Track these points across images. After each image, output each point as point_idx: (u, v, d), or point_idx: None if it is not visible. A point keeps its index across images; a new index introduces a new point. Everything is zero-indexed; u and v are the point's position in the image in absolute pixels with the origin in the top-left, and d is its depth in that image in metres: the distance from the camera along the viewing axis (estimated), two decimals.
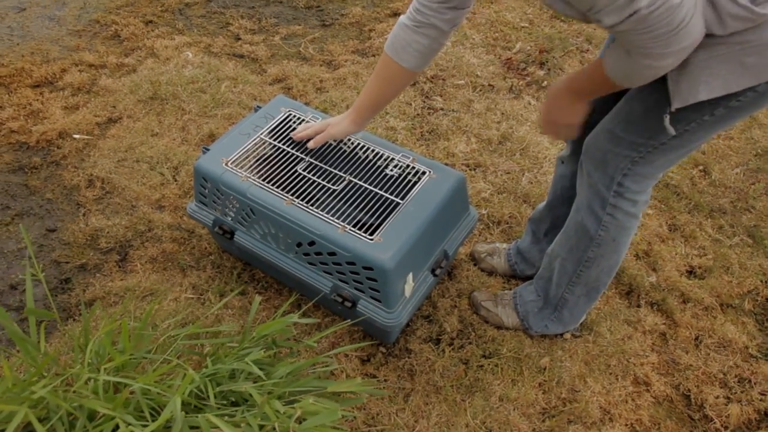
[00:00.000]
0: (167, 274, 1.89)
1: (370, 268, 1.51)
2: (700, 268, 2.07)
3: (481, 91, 2.69)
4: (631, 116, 1.32)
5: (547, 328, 1.79)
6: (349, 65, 2.78)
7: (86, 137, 2.33)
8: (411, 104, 2.59)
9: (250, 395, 1.15)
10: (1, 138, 2.31)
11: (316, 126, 1.72)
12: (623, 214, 1.46)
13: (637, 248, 2.10)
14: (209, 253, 1.97)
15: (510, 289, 1.90)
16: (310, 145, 1.72)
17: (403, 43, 1.44)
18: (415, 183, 1.69)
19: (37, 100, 2.47)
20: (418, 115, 2.54)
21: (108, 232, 2.00)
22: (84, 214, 2.07)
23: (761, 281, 2.04)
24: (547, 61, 2.85)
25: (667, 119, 1.22)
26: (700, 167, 2.43)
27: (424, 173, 1.71)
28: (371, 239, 1.52)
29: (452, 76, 2.75)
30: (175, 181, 2.18)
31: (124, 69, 2.67)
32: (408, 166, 1.74)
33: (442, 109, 2.58)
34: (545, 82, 2.75)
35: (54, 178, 2.19)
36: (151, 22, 2.99)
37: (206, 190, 1.74)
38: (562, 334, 1.83)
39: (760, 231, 2.20)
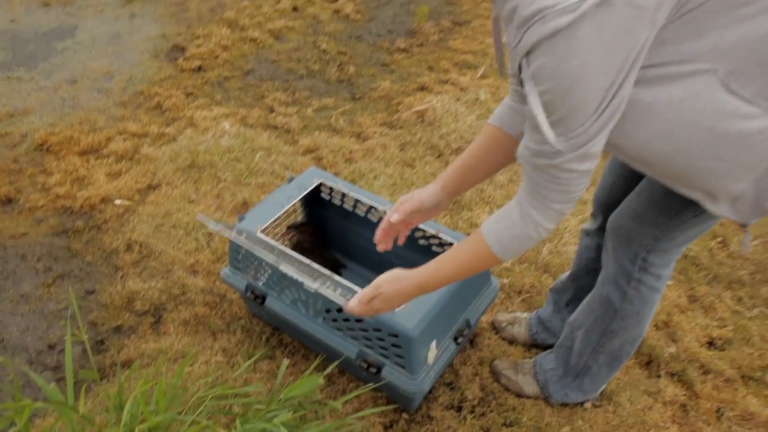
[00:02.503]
0: (199, 337, 1.97)
1: (396, 335, 1.57)
2: (720, 339, 2.09)
3: None
4: (653, 196, 1.39)
5: (567, 396, 1.82)
6: (377, 137, 2.91)
7: (127, 203, 2.46)
8: (436, 175, 2.69)
9: None
10: (48, 202, 2.45)
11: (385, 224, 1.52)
12: (647, 288, 1.51)
13: (657, 319, 2.13)
14: (239, 317, 2.05)
15: (531, 358, 1.94)
16: (393, 219, 1.51)
17: (508, 112, 1.40)
18: (440, 253, 1.77)
19: (83, 166, 2.63)
20: None
21: (143, 295, 2.10)
22: (121, 277, 2.17)
23: None
24: None
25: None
26: (719, 239, 2.47)
27: (450, 244, 1.79)
28: (397, 308, 1.59)
29: None
30: (209, 246, 2.28)
31: (164, 138, 2.84)
32: (434, 236, 1.82)
33: None
34: None
35: (95, 242, 2.31)
36: (191, 94, 3.18)
37: (240, 256, 1.83)
38: (582, 404, 1.85)
39: None
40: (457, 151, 2.83)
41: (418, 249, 1.89)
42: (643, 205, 1.42)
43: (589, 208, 1.77)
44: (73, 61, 3.40)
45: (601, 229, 1.68)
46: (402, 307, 1.56)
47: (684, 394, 1.91)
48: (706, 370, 1.99)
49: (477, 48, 3.70)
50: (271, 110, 3.09)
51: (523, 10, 0.92)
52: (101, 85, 3.22)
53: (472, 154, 1.45)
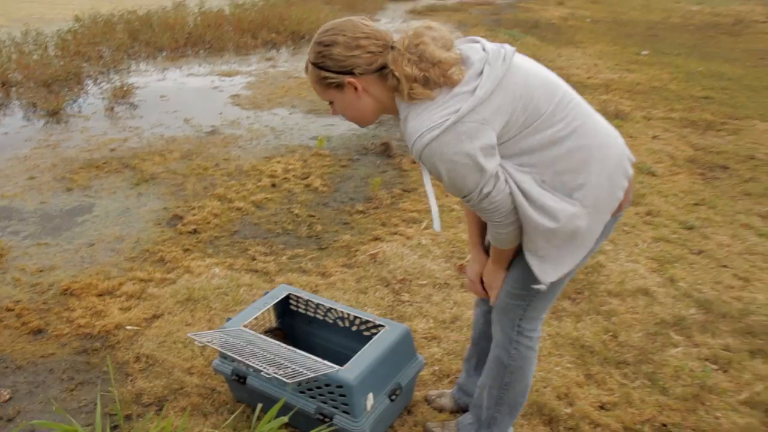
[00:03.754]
0: (193, 419, 2.49)
1: (341, 386, 2.15)
2: (609, 403, 2.65)
3: (439, 288, 3.49)
4: (514, 279, 2.03)
5: None
6: (338, 275, 3.62)
7: (136, 328, 3.08)
8: (384, 299, 3.36)
9: None
10: (72, 330, 3.06)
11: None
12: (524, 347, 2.12)
13: (559, 391, 2.70)
14: (226, 403, 2.59)
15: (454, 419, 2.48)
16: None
17: None
18: (375, 333, 2.40)
19: (100, 304, 3.27)
20: (389, 305, 3.30)
21: (149, 392, 2.64)
22: (131, 380, 2.73)
23: (658, 411, 2.60)
24: None
25: (542, 287, 1.95)
26: (611, 333, 3.11)
27: (382, 326, 2.43)
28: (342, 367, 2.19)
29: (417, 279, 3.56)
30: (202, 355, 2.87)
31: (166, 281, 3.51)
32: (380, 325, 2.46)
33: (408, 301, 3.35)
34: None
35: (110, 357, 2.88)
36: (188, 249, 3.92)
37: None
38: None
39: (657, 375, 2.81)
40: (402, 281, 3.53)
41: (365, 339, 2.49)
42: (510, 285, 2.05)
43: None
44: (91, 230, 4.17)
45: (483, 300, 2.32)
46: (346, 365, 2.16)
47: None
48: (596, 425, 2.53)
49: (422, 208, 4.55)
50: (253, 259, 3.82)
51: (408, 131, 1.69)
52: (114, 246, 3.95)
53: (471, 220, 2.17)
